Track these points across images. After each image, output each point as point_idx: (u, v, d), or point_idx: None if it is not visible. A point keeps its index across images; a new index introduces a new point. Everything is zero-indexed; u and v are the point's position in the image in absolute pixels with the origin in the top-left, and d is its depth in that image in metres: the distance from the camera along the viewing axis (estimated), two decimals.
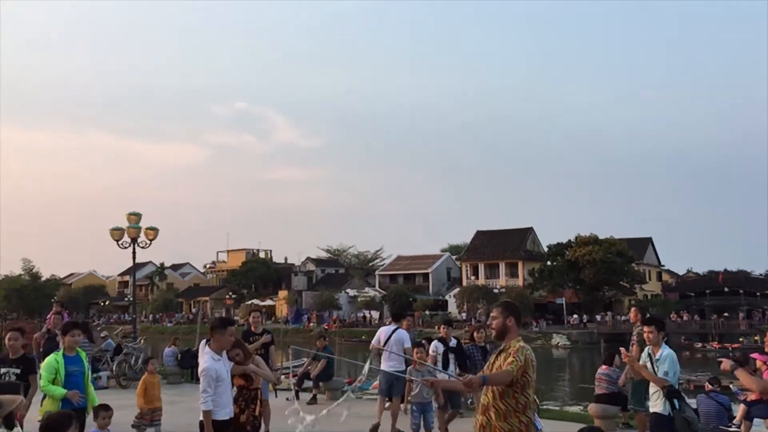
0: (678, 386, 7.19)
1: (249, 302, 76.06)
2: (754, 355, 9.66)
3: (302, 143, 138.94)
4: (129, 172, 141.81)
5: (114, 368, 17.07)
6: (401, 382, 9.83)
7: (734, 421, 10.56)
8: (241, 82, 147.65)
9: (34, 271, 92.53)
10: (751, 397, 10.00)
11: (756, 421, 10.09)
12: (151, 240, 20.74)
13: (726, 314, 58.16)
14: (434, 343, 11.17)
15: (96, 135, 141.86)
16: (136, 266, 24.05)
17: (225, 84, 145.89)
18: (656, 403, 6.97)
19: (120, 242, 20.49)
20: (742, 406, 10.40)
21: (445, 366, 10.55)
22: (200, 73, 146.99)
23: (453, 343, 11.00)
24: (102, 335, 21.06)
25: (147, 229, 20.62)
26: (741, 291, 64.78)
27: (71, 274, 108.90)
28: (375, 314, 70.58)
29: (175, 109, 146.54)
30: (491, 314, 5.21)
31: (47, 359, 7.25)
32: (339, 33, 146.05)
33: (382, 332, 10.73)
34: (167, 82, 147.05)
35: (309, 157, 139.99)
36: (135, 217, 20.43)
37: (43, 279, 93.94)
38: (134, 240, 20.35)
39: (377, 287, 79.17)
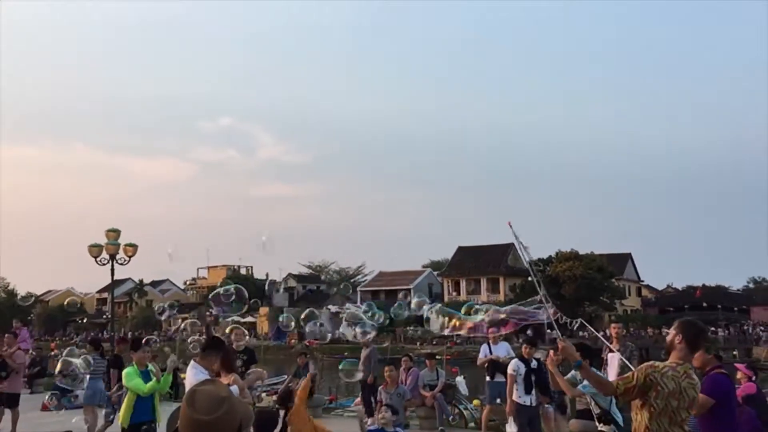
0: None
1: (229, 319, 75.31)
2: (737, 366, 9.75)
3: (287, 159, 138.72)
4: (112, 188, 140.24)
5: None
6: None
7: None
8: (226, 98, 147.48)
9: (9, 288, 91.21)
10: None
11: None
12: (130, 256, 20.56)
13: (713, 329, 58.79)
14: (514, 362, 10.13)
15: (81, 150, 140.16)
16: (115, 283, 23.80)
17: (210, 99, 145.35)
18: None
19: (98, 259, 20.28)
20: None
21: (528, 389, 9.85)
22: (185, 88, 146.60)
23: (534, 364, 10.06)
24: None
25: (126, 245, 20.44)
26: (719, 306, 65.58)
27: (48, 291, 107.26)
28: (358, 330, 70.14)
29: (161, 124, 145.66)
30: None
31: (127, 369, 7.52)
32: (326, 50, 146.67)
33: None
34: (151, 98, 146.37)
35: (292, 173, 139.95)
36: (114, 233, 20.25)
37: (19, 296, 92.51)
38: (113, 257, 20.16)
39: (359, 303, 78.92)
